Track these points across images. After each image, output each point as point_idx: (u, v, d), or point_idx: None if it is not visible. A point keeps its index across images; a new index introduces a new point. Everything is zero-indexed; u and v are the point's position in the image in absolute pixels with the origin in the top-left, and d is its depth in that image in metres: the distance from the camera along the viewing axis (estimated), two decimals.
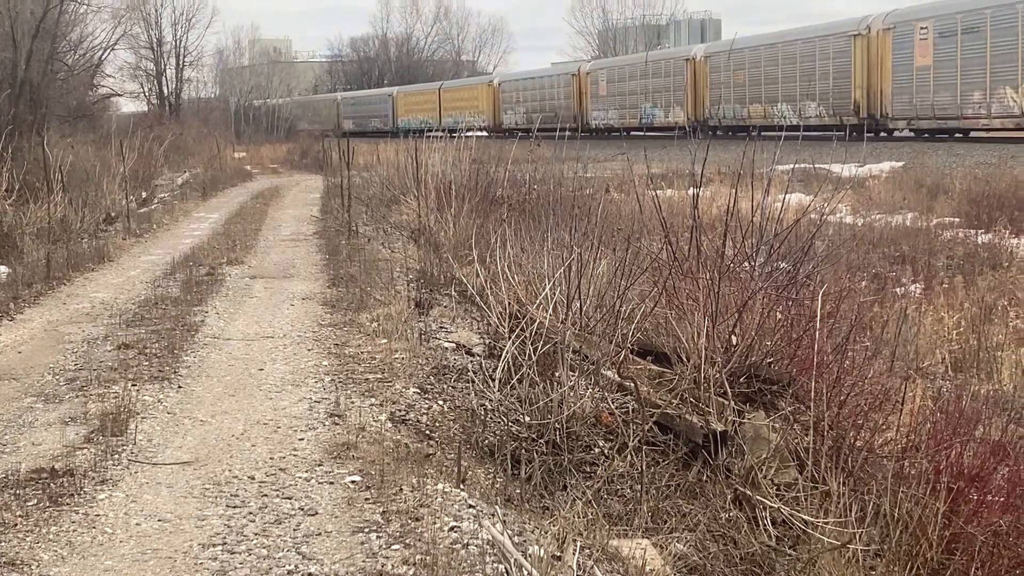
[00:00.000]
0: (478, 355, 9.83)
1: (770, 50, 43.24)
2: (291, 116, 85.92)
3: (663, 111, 50.90)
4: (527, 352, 7.94)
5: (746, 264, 9.12)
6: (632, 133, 53.88)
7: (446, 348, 10.16)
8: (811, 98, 39.92)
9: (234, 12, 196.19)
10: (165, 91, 73.62)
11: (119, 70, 63.86)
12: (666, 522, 6.56)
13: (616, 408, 7.71)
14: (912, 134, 36.58)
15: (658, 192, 11.38)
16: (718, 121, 46.05)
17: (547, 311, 8.62)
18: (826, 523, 6.23)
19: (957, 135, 34.80)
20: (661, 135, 45.51)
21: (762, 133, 38.15)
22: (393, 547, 5.68)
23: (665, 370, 8.25)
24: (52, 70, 33.74)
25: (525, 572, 5.28)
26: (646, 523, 6.48)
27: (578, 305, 8.88)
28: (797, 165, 12.65)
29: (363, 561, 5.53)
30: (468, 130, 57.35)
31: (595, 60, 65.95)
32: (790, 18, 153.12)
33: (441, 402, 8.47)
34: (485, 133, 62.31)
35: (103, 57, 51.37)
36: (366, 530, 5.89)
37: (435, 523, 5.98)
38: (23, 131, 26.22)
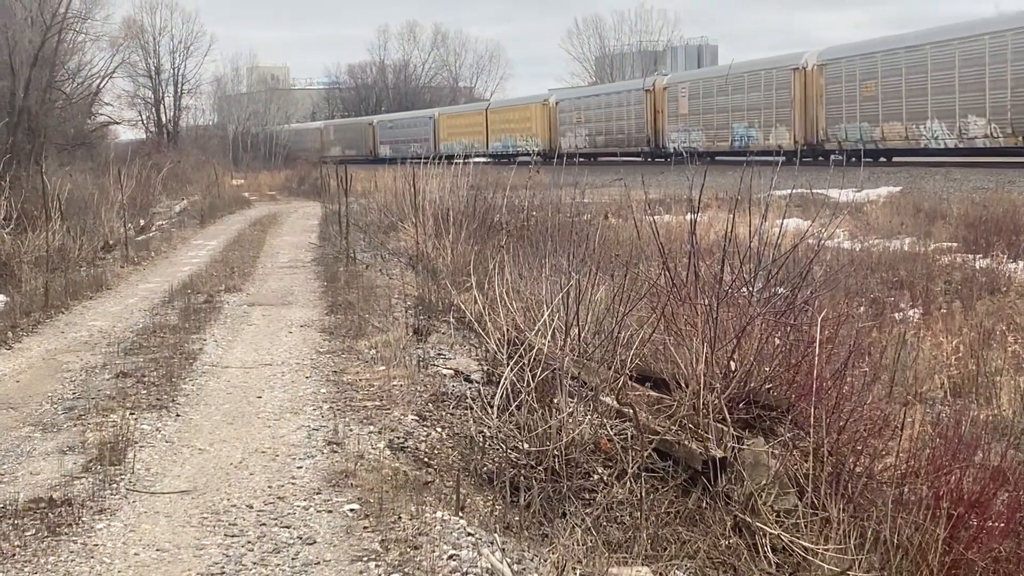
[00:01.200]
0: (476, 382, 9.82)
1: (914, 54, 35.29)
2: (324, 142, 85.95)
3: (761, 132, 43.08)
4: (525, 379, 7.93)
5: (744, 290, 9.12)
6: (720, 158, 43.91)
7: (444, 375, 10.16)
8: (977, 113, 32.41)
9: (232, 40, 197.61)
10: (163, 119, 74.00)
11: (117, 98, 64.26)
12: (666, 549, 6.54)
13: (615, 434, 7.70)
14: None
15: (656, 218, 11.38)
16: (838, 144, 38.36)
17: (545, 337, 8.61)
18: (826, 550, 6.21)
19: None
20: (760, 160, 40.02)
21: (906, 157, 36.09)
22: None
23: (664, 396, 8.24)
24: (50, 98, 33.88)
25: None
26: (646, 550, 6.46)
27: (576, 331, 8.87)
28: (795, 190, 12.66)
29: None
30: (520, 154, 56.78)
31: (674, 73, 56.14)
32: (787, 43, 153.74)
33: (440, 429, 8.46)
34: (538, 158, 56.30)
35: (101, 85, 51.61)
36: (365, 559, 5.88)
37: (434, 551, 5.96)
38: (21, 159, 26.30)
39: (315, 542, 6.13)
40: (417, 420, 8.63)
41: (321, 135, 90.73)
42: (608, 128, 55.56)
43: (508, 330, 9.39)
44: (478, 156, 59.38)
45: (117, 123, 61.74)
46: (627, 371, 8.29)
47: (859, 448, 7.07)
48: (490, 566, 5.68)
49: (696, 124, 47.82)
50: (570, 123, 59.44)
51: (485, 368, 9.97)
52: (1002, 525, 6.33)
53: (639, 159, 52.98)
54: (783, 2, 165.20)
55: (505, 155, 61.10)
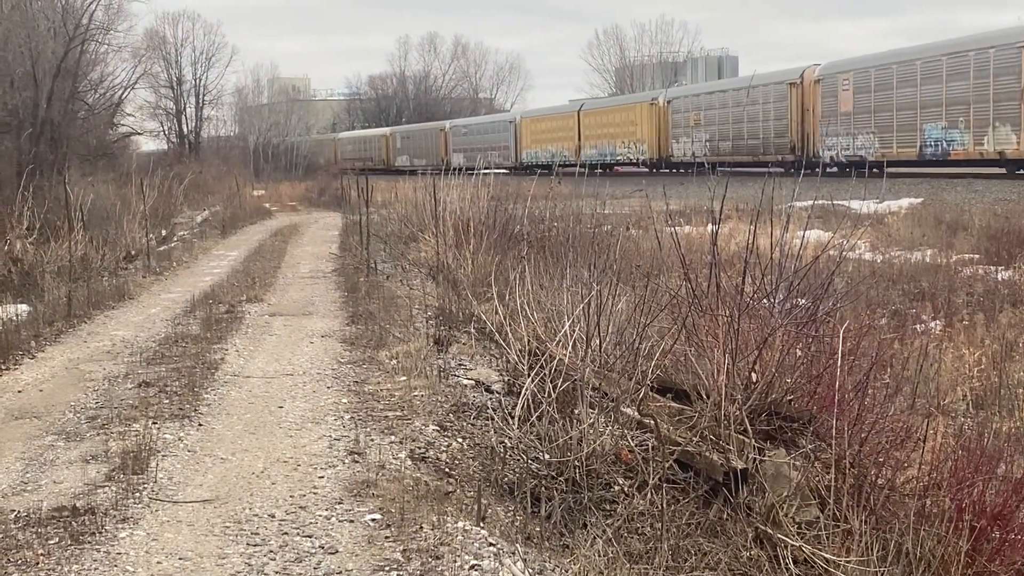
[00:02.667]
0: (497, 392, 9.83)
1: None
2: (390, 151, 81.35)
3: (968, 134, 33.40)
4: (546, 389, 7.93)
5: (765, 301, 9.11)
6: (897, 167, 35.35)
7: (465, 385, 10.17)
8: None
9: (253, 51, 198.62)
10: (185, 129, 74.42)
11: (139, 109, 64.47)
12: (687, 561, 6.53)
13: (636, 446, 7.69)
14: None
15: (676, 229, 11.37)
16: None
17: (566, 348, 8.61)
18: (848, 562, 6.20)
19: None
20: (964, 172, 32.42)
21: None
22: None
23: (685, 407, 8.23)
24: (73, 109, 34.05)
25: None
26: (667, 562, 6.45)
27: (597, 342, 8.87)
28: (816, 202, 12.66)
29: None
30: (620, 164, 54.04)
31: (830, 62, 42.61)
32: (807, 55, 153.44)
33: (460, 439, 8.47)
34: (644, 169, 51.79)
35: (123, 96, 51.77)
36: (386, 568, 5.89)
37: (455, 561, 5.97)
38: (44, 170, 26.42)
39: (337, 551, 6.14)
40: (438, 430, 8.65)
41: (387, 143, 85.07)
42: (737, 132, 46.61)
43: (529, 340, 9.40)
44: (567, 166, 54.78)
45: (139, 134, 62.07)
46: (648, 382, 8.28)
47: (881, 460, 7.05)
48: None
49: (864, 125, 38.15)
50: (685, 126, 50.54)
51: (506, 378, 9.98)
52: None
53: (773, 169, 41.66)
54: (803, 13, 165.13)
55: (602, 164, 53.04)
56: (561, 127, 61.96)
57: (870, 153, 37.27)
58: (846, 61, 41.80)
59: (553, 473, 7.34)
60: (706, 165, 39.67)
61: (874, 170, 34.45)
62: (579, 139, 59.63)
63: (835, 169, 38.81)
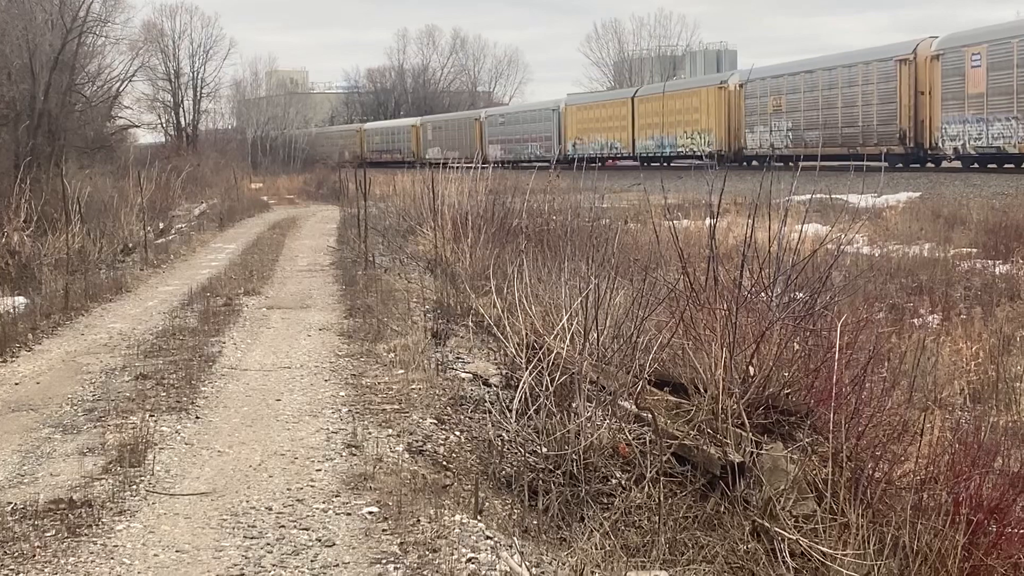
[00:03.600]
0: (495, 386, 9.83)
1: None
2: (420, 142, 74.76)
3: None
4: (544, 383, 7.93)
5: (763, 295, 9.10)
6: None
7: (463, 379, 10.17)
8: None
9: (251, 44, 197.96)
10: (182, 122, 74.21)
11: (137, 101, 64.39)
12: (684, 554, 6.53)
13: (633, 439, 7.69)
14: None
15: (674, 222, 11.37)
16: None
17: (564, 342, 8.61)
18: (845, 555, 6.20)
19: None
20: None
21: None
22: None
23: (682, 401, 8.23)
24: (70, 102, 33.99)
25: None
26: (664, 555, 6.46)
27: (595, 336, 8.87)
28: (814, 196, 12.64)
29: None
30: (682, 157, 46.68)
31: (951, 33, 35.38)
32: (801, 51, 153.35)
33: (458, 433, 8.47)
34: (710, 162, 41.87)
35: (121, 89, 51.66)
36: (384, 561, 5.89)
37: (453, 554, 5.97)
38: (41, 162, 26.36)
39: (334, 544, 6.14)
40: (436, 424, 8.64)
41: (416, 135, 78.60)
42: (828, 119, 39.82)
43: (527, 334, 9.39)
44: (619, 158, 53.41)
45: (136, 126, 61.86)
46: (646, 375, 8.29)
47: (878, 453, 7.05)
48: (509, 569, 5.69)
49: (1005, 109, 31.23)
50: (761, 112, 43.68)
51: (504, 372, 9.97)
52: (1022, 531, 6.31)
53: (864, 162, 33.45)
54: (801, 7, 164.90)
55: (660, 157, 50.90)
56: (613, 115, 55.27)
57: (1012, 143, 31.07)
58: (975, 32, 34.49)
59: (551, 466, 7.34)
60: (794, 158, 33.90)
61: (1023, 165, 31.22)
62: (633, 128, 53.08)
63: (957, 163, 34.57)
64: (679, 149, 49.48)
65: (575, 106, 60.17)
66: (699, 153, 44.96)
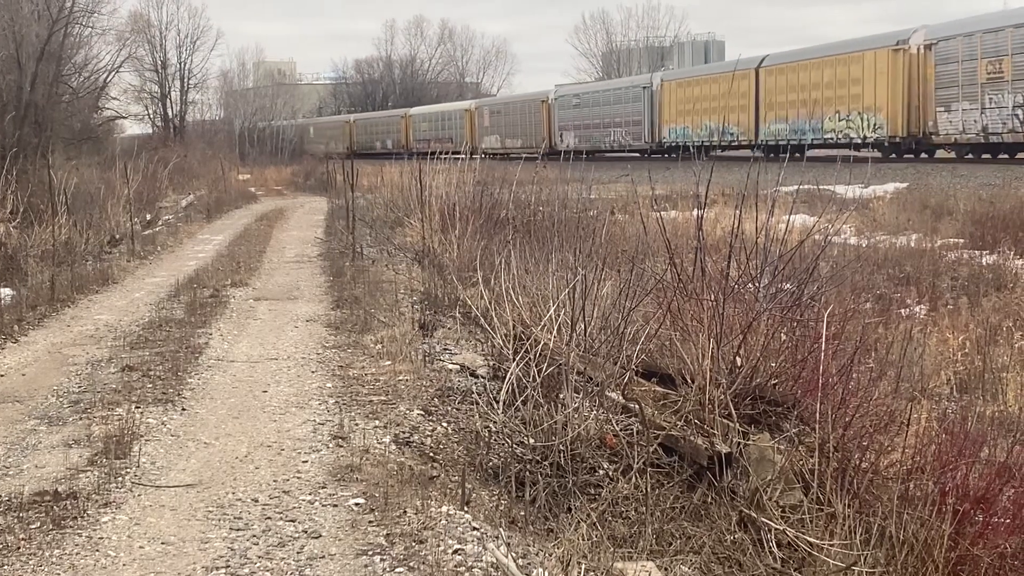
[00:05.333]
0: (482, 377, 9.82)
1: None
2: (476, 129, 65.74)
3: None
4: (531, 374, 7.92)
5: (750, 285, 9.11)
6: None
7: (450, 370, 10.15)
8: None
9: (239, 35, 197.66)
10: (170, 113, 74.03)
11: (124, 92, 64.22)
12: (671, 544, 6.54)
13: (620, 430, 7.69)
14: None
15: (662, 213, 11.36)
16: None
17: (551, 333, 8.61)
18: (831, 545, 6.21)
19: None
20: None
21: None
22: (397, 570, 5.66)
23: (670, 392, 8.24)
24: (57, 93, 33.89)
25: None
26: (651, 545, 6.46)
27: (582, 327, 8.87)
28: (801, 186, 12.65)
29: None
30: (836, 145, 36.16)
31: None
32: (794, 40, 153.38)
33: (445, 424, 8.46)
34: (875, 153, 34.76)
35: (108, 80, 51.63)
36: (370, 553, 5.87)
37: (439, 546, 5.96)
38: (28, 153, 26.29)
39: (320, 536, 6.13)
40: (423, 415, 8.63)
41: (470, 120, 69.00)
42: None
43: (514, 325, 9.39)
44: (735, 146, 43.55)
45: (123, 117, 61.78)
46: (633, 366, 8.29)
47: (865, 444, 7.07)
48: (495, 560, 5.68)
49: None
50: (966, 84, 32.21)
51: (491, 363, 9.97)
52: (1008, 521, 6.33)
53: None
54: None
55: (797, 147, 34.16)
56: (726, 91, 44.74)
57: None
58: None
59: (538, 457, 7.33)
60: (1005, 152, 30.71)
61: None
62: (757, 108, 42.69)
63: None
64: (826, 135, 38.86)
65: (675, 82, 49.17)
66: (858, 141, 37.01)
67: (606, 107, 53.62)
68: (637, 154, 41.83)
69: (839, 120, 38.35)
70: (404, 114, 79.88)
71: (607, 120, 53.08)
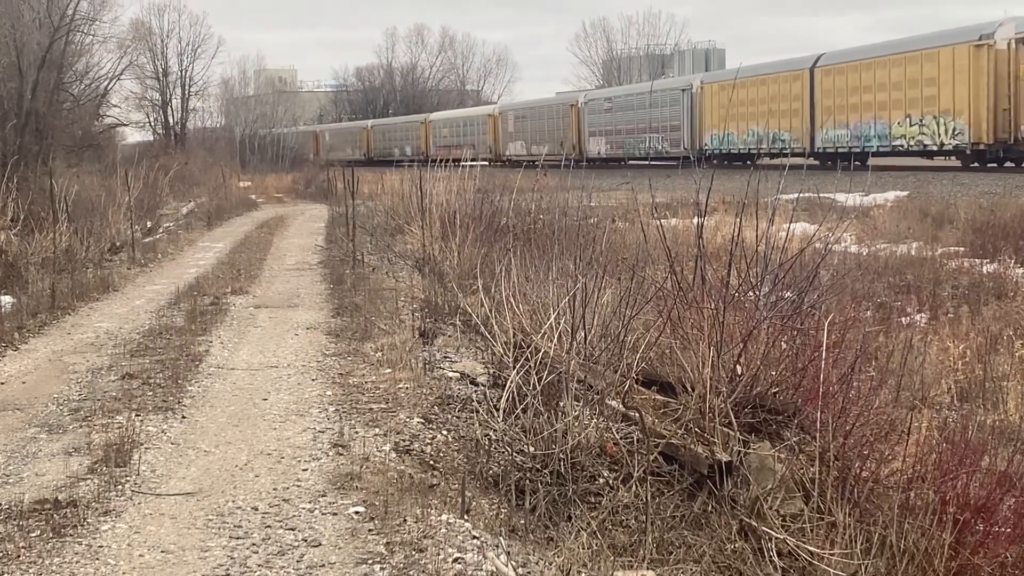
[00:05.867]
0: (482, 385, 9.81)
1: None
2: (499, 135, 63.33)
3: None
4: (531, 382, 7.92)
5: (751, 293, 9.10)
6: None
7: (450, 378, 10.15)
8: None
9: (240, 42, 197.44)
10: (170, 121, 74.07)
11: (125, 100, 64.25)
12: (671, 553, 6.52)
13: (621, 438, 7.68)
14: None
15: (662, 221, 11.36)
16: None
17: (552, 341, 8.60)
18: (832, 554, 6.19)
19: None
20: None
21: None
22: None
23: (670, 400, 8.23)
24: (58, 100, 33.90)
25: None
26: (651, 554, 6.45)
27: (583, 335, 8.86)
28: (802, 194, 12.65)
29: None
30: (909, 152, 33.49)
31: None
32: (793, 48, 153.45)
33: (445, 432, 8.45)
34: (953, 161, 33.81)
35: (109, 87, 51.66)
36: (370, 561, 5.87)
37: (439, 554, 5.96)
38: (29, 161, 26.30)
39: (320, 544, 6.12)
40: (423, 423, 8.63)
41: (494, 126, 66.01)
42: None
43: (514, 333, 9.37)
44: (794, 154, 36.92)
45: (124, 125, 61.73)
46: (633, 374, 8.28)
47: (865, 453, 7.05)
48: (495, 569, 5.67)
49: None
50: None
51: (491, 371, 9.96)
52: (1008, 530, 6.31)
53: None
54: (788, 7, 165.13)
55: (857, 153, 35.29)
56: (775, 94, 41.22)
57: None
58: None
59: (538, 466, 7.32)
60: None
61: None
62: (812, 111, 39.15)
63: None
64: (895, 142, 35.56)
65: (716, 84, 45.47)
66: (934, 148, 34.08)
67: (641, 111, 49.97)
68: (674, 162, 35.72)
69: (910, 125, 34.81)
70: (424, 119, 77.09)
71: (642, 125, 49.57)
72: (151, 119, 73.70)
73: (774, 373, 8.06)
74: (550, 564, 6.10)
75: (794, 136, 39.96)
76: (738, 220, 9.23)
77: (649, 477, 7.10)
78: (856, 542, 6.23)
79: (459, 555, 5.95)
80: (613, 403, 8.17)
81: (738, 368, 7.99)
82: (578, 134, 54.82)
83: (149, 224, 27.98)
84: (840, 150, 36.33)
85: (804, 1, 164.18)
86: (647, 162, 46.56)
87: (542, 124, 59.74)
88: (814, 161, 36.45)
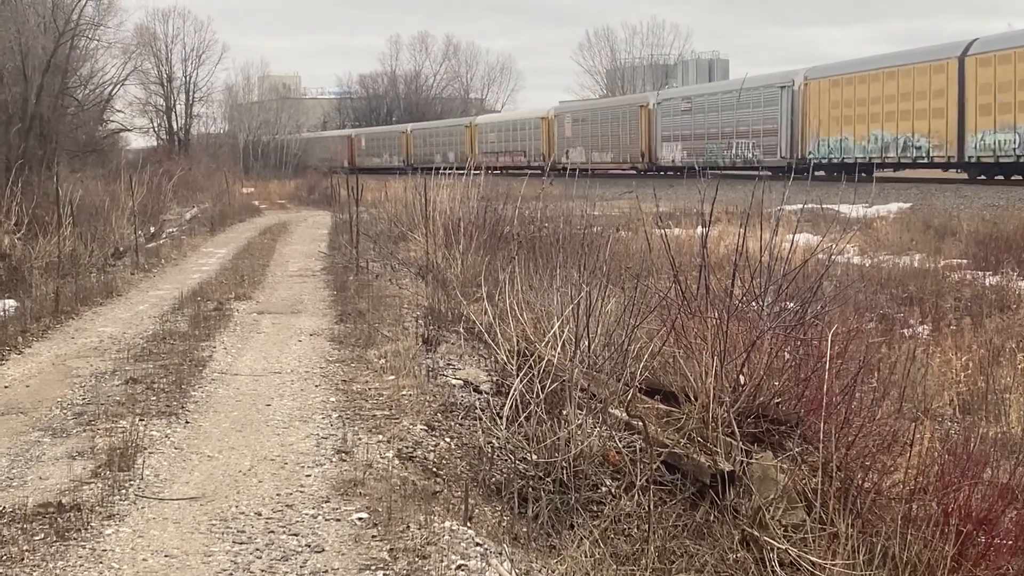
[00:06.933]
0: (486, 392, 9.82)
1: None
2: (556, 138, 57.92)
3: None
4: (535, 390, 7.93)
5: (754, 304, 9.12)
6: None
7: (454, 385, 10.16)
8: None
9: (244, 49, 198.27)
10: (174, 126, 74.25)
11: (129, 105, 64.51)
12: (673, 562, 6.54)
13: (623, 447, 7.70)
14: None
15: (666, 231, 11.38)
16: None
17: (555, 349, 8.61)
18: (834, 565, 6.20)
19: None
20: None
21: None
22: None
23: (673, 409, 8.24)
24: (62, 105, 33.99)
25: None
26: (653, 563, 6.46)
27: (586, 343, 8.88)
28: (806, 206, 12.66)
29: None
30: None
31: None
32: (796, 58, 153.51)
33: (448, 439, 8.46)
34: None
35: (113, 92, 51.79)
36: (373, 567, 5.88)
37: (442, 561, 5.96)
38: (33, 165, 26.36)
39: (323, 550, 6.13)
40: (426, 430, 8.63)
41: (547, 130, 60.25)
42: None
43: (518, 341, 9.39)
44: (935, 163, 34.14)
45: (128, 130, 61.96)
46: (636, 383, 8.29)
47: (868, 464, 7.06)
48: None
49: None
50: None
51: (494, 379, 9.97)
52: (1010, 543, 6.32)
53: None
54: (791, 18, 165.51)
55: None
56: (907, 91, 34.20)
57: None
58: None
59: (540, 474, 7.34)
60: None
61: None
62: (960, 111, 32.10)
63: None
64: None
65: (827, 80, 38.18)
66: None
67: (727, 112, 43.23)
68: (768, 172, 28.85)
69: None
70: (470, 123, 72.01)
71: (727, 129, 43.18)
72: (155, 124, 73.95)
73: (777, 383, 8.07)
74: (553, 572, 6.11)
75: (935, 142, 33.46)
76: (742, 230, 9.25)
77: (651, 486, 7.11)
78: (858, 553, 6.24)
79: (462, 562, 5.96)
80: (616, 412, 8.19)
81: (741, 378, 8.01)
82: (648, 139, 49.16)
83: (152, 229, 28.01)
84: (1003, 159, 30.81)
85: (805, 13, 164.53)
86: (733, 171, 39.49)
87: (605, 128, 53.79)
88: (960, 174, 32.80)
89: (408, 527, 6.44)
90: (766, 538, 6.57)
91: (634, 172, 44.98)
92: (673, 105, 48.14)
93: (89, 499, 6.97)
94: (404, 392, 9.74)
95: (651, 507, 6.89)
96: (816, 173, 34.30)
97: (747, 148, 41.48)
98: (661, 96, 50.69)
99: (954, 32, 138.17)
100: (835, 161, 35.74)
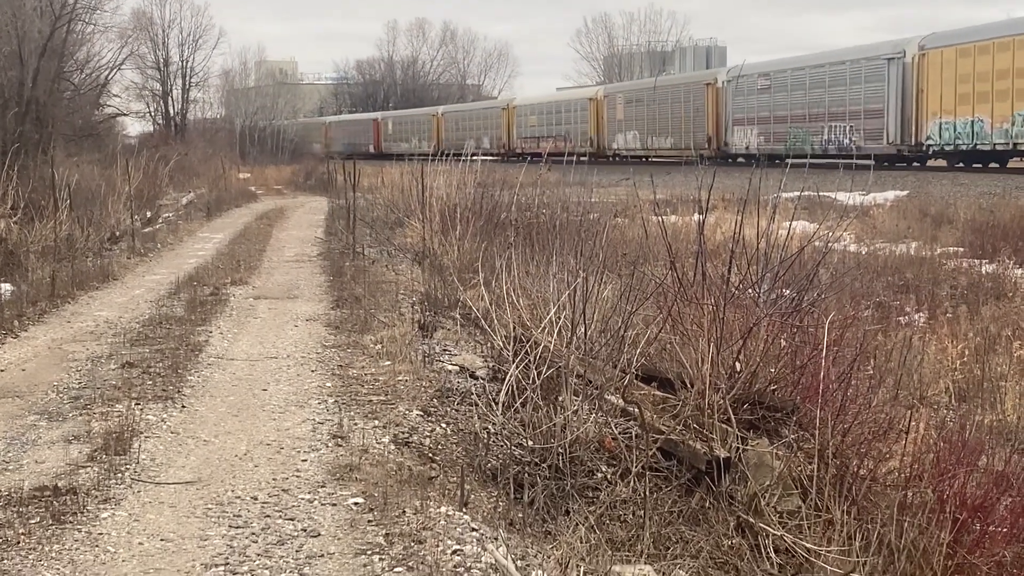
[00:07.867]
0: (482, 378, 9.82)
1: None
2: (606, 121, 51.62)
3: None
4: (531, 376, 7.93)
5: (751, 291, 9.12)
6: None
7: (450, 371, 10.16)
8: None
9: (241, 34, 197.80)
10: (171, 111, 74.00)
11: (125, 90, 64.29)
12: (669, 548, 6.54)
13: (619, 433, 7.70)
14: None
15: (663, 218, 11.36)
16: None
17: (551, 335, 8.61)
18: (829, 552, 6.21)
19: None
20: None
21: None
22: (396, 569, 5.68)
23: (669, 396, 8.24)
24: (59, 89, 33.89)
25: None
26: (649, 549, 6.46)
27: (583, 330, 8.87)
28: (803, 193, 12.65)
29: None
30: None
31: None
32: (794, 46, 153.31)
33: (444, 425, 8.47)
34: None
35: (109, 77, 51.63)
36: (369, 552, 5.89)
37: (438, 546, 5.97)
38: (29, 149, 26.28)
39: (319, 535, 6.14)
40: (422, 415, 8.64)
41: (595, 112, 53.87)
42: None
43: (514, 327, 9.39)
44: None
45: (125, 115, 61.76)
46: (632, 370, 8.29)
47: (863, 451, 7.07)
48: (494, 562, 5.69)
49: None
50: None
51: (490, 365, 9.97)
52: (1005, 530, 6.33)
53: None
54: (790, 5, 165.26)
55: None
56: None
57: None
58: None
59: (536, 459, 7.34)
60: None
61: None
62: None
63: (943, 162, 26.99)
64: None
65: (952, 48, 31.27)
66: None
67: (816, 91, 37.41)
68: (868, 161, 26.84)
69: None
70: (507, 104, 65.22)
71: (816, 110, 37.20)
72: (151, 109, 73.74)
73: (773, 370, 8.07)
74: (548, 557, 6.12)
75: None
76: (739, 217, 9.25)
77: (647, 472, 7.11)
78: (853, 540, 6.25)
79: (458, 547, 5.97)
80: (612, 398, 8.19)
81: (737, 365, 8.01)
82: (716, 122, 43.15)
83: (149, 214, 27.96)
84: None
85: (803, 1, 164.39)
86: (823, 159, 32.07)
87: (664, 109, 47.15)
88: None
89: (404, 512, 6.45)
90: (761, 524, 6.58)
91: (699, 160, 41.81)
92: (747, 83, 40.69)
93: (85, 483, 6.98)
94: (400, 378, 9.75)
95: (647, 493, 6.89)
96: (933, 163, 29.65)
97: (843, 133, 35.82)
98: (732, 72, 43.40)
99: (952, 20, 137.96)
100: (963, 148, 30.82)
